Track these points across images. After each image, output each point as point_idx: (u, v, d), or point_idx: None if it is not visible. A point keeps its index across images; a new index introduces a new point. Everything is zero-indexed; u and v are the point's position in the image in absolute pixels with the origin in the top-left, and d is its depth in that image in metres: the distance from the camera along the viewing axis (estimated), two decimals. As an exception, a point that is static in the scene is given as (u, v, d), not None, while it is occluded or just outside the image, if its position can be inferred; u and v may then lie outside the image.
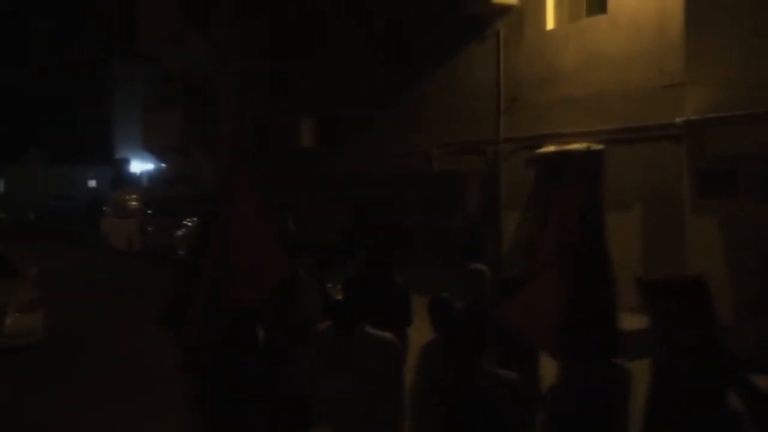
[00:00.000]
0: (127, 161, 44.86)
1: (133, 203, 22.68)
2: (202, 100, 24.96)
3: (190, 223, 17.65)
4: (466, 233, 11.25)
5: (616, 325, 3.71)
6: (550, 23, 12.32)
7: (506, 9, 12.87)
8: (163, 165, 32.29)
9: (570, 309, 3.61)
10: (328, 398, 3.67)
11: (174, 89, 26.77)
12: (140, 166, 41.47)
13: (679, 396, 3.15)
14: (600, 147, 11.06)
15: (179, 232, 18.43)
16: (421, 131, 14.96)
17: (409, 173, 14.97)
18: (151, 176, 37.02)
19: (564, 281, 3.73)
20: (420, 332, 4.88)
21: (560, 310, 3.62)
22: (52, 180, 51.64)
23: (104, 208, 25.73)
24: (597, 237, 3.84)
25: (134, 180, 40.19)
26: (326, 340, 3.79)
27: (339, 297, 3.88)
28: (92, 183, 53.52)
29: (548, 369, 4.30)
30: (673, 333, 3.20)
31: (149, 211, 21.26)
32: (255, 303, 4.25)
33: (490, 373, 3.31)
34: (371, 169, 15.93)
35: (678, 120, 9.74)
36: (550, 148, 11.85)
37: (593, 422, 3.27)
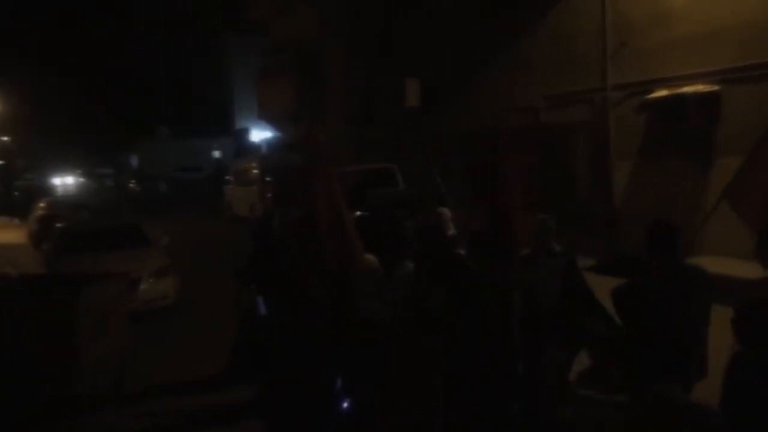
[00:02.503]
0: (247, 131, 46.24)
1: (254, 171, 23.51)
2: (310, 67, 25.48)
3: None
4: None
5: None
6: (658, -41, 11.66)
7: (612, -53, 12.30)
8: (279, 133, 33.31)
9: None
10: None
11: (284, 58, 27.42)
12: (260, 134, 42.77)
13: None
14: (715, 88, 10.47)
15: (296, 197, 19.01)
16: (527, 84, 14.64)
17: (515, 127, 14.72)
18: (270, 144, 38.14)
19: None
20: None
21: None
22: (180, 153, 54.84)
23: (227, 178, 26.94)
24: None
25: (255, 149, 41.40)
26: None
27: None
28: (216, 154, 55.94)
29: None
30: None
31: (267, 179, 22.02)
32: None
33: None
34: (477, 126, 15.77)
35: (801, 53, 9.06)
36: (662, 93, 11.33)
37: None
